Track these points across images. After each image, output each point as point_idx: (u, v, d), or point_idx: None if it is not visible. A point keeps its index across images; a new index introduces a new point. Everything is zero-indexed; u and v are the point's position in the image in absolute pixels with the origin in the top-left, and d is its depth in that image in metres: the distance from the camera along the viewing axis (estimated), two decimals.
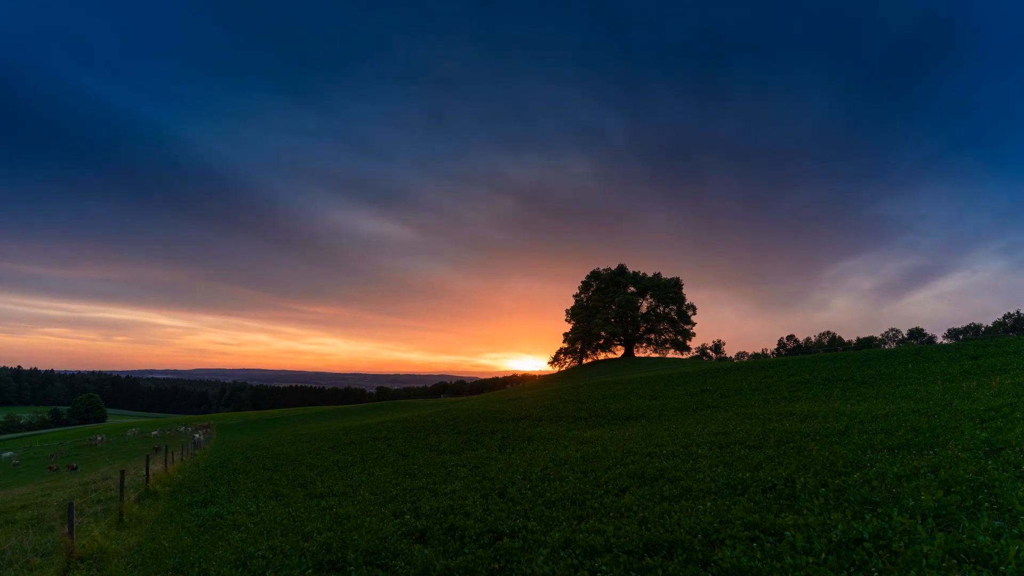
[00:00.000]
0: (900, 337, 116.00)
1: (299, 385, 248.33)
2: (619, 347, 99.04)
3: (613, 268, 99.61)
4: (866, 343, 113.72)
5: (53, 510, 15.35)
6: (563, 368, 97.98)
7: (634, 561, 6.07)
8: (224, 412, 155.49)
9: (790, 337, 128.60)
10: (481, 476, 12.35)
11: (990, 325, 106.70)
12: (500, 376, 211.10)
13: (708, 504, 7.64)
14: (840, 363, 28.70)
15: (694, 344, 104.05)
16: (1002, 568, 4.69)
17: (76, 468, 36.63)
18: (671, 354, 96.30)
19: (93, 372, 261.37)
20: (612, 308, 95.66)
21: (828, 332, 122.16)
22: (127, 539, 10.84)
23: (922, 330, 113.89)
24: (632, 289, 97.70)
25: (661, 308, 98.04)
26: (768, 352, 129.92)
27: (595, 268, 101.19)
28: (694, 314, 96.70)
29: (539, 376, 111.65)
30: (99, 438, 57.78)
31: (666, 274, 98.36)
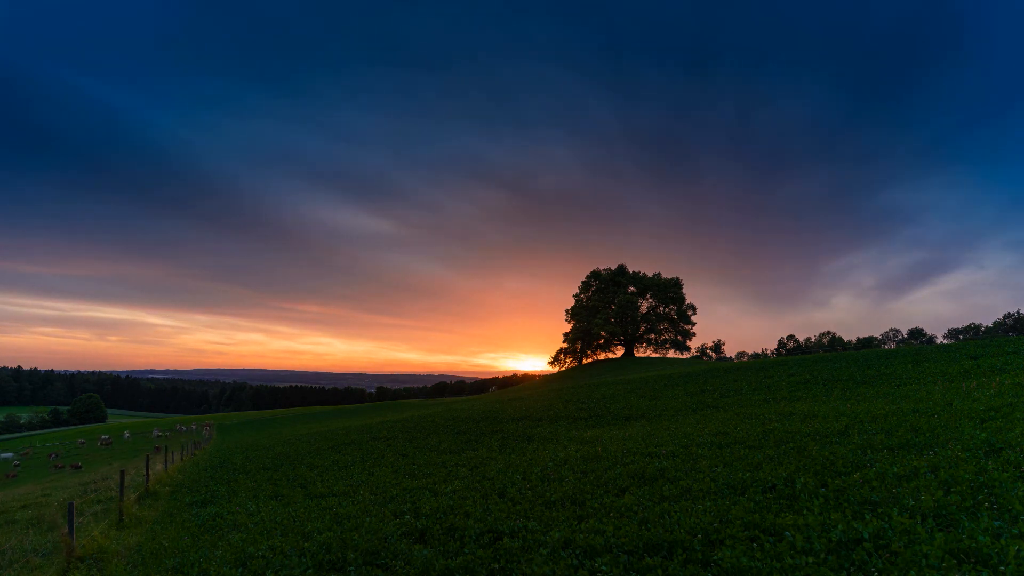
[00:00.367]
0: (900, 337, 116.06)
1: (299, 385, 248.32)
2: (619, 347, 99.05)
3: (613, 268, 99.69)
4: (866, 343, 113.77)
5: (53, 510, 15.35)
6: (563, 368, 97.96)
7: (634, 561, 6.07)
8: (224, 412, 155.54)
9: (790, 337, 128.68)
10: (481, 476, 12.35)
11: (990, 325, 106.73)
12: (500, 376, 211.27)
13: (708, 504, 7.64)
14: (840, 363, 28.70)
15: (694, 344, 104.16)
16: (1002, 568, 4.69)
17: (80, 467, 36.84)
18: (671, 354, 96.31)
19: (93, 372, 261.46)
20: (612, 308, 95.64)
21: (828, 332, 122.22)
22: (127, 539, 10.84)
23: (922, 330, 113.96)
24: (632, 289, 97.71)
25: (661, 308, 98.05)
26: (768, 352, 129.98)
27: (595, 268, 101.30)
28: (694, 314, 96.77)
29: (539, 376, 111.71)
30: (106, 437, 57.86)
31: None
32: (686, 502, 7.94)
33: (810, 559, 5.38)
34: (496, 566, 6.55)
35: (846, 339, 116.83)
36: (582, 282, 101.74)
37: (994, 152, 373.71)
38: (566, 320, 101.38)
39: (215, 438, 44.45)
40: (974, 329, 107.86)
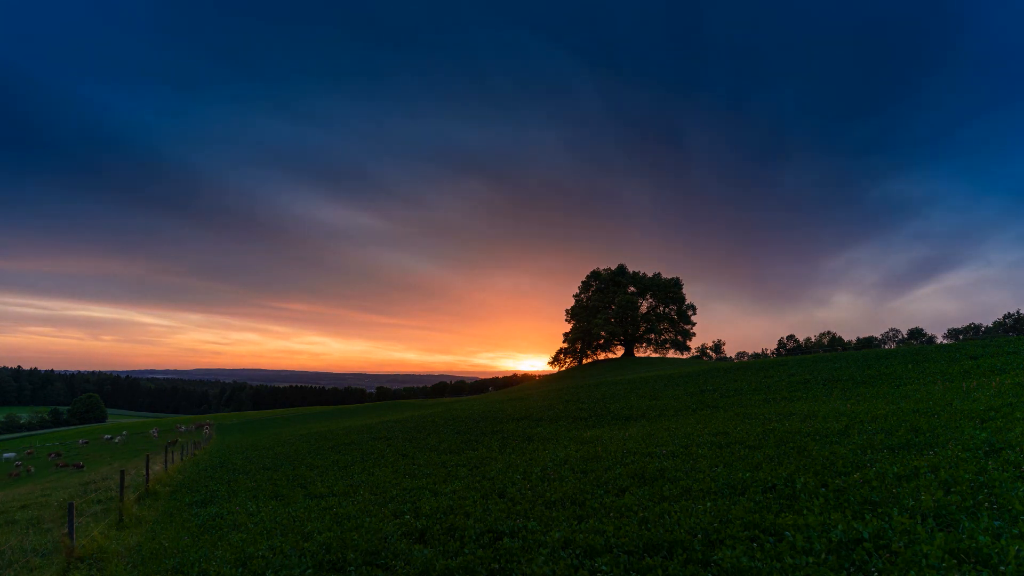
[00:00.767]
0: (900, 337, 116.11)
1: (299, 385, 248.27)
2: (619, 347, 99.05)
3: (613, 268, 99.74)
4: (866, 343, 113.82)
5: (53, 510, 15.36)
6: (563, 368, 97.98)
7: (634, 561, 6.07)
8: (224, 412, 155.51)
9: (790, 337, 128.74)
10: (481, 476, 12.35)
11: (990, 325, 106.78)
12: (500, 376, 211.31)
13: (708, 504, 7.64)
14: (840, 363, 28.69)
15: (694, 344, 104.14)
16: (1002, 568, 4.69)
17: (83, 466, 37.03)
18: (671, 354, 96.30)
19: (93, 372, 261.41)
20: (612, 308, 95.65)
21: (828, 332, 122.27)
22: (127, 539, 10.84)
23: (922, 330, 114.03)
24: (632, 289, 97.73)
25: (661, 308, 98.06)
26: (768, 352, 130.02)
27: (595, 268, 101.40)
28: (694, 314, 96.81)
29: (539, 376, 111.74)
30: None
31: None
32: (686, 502, 7.94)
33: (810, 559, 5.38)
34: (496, 566, 6.55)
35: (846, 339, 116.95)
36: (582, 282, 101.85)
37: (1002, 141, 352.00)
38: (566, 320, 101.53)
39: (215, 438, 44.45)
40: (974, 329, 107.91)
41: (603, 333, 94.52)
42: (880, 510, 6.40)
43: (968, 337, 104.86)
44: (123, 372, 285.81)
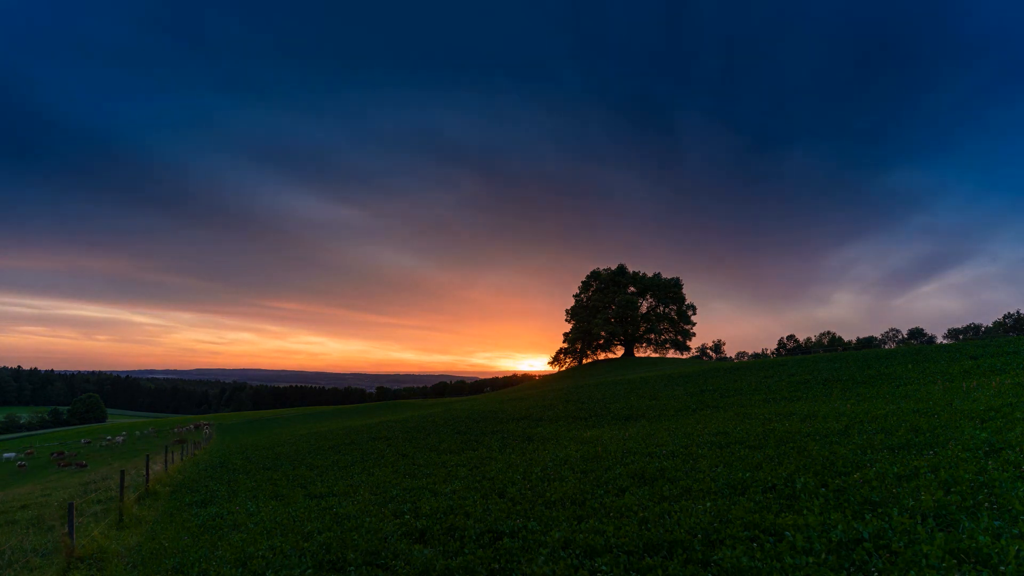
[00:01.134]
0: (900, 337, 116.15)
1: (299, 385, 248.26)
2: (619, 347, 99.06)
3: (613, 268, 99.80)
4: (866, 343, 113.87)
5: (53, 510, 15.35)
6: (563, 368, 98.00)
7: (634, 561, 6.07)
8: (224, 412, 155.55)
9: (790, 337, 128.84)
10: (481, 476, 12.35)
11: (990, 325, 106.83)
12: (500, 376, 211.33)
13: (708, 504, 7.64)
14: (840, 363, 28.69)
15: (694, 344, 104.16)
16: (1002, 568, 4.69)
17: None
18: (671, 354, 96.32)
19: (93, 372, 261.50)
20: (612, 308, 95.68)
21: (828, 332, 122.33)
22: (127, 539, 10.84)
23: (922, 330, 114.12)
24: (632, 289, 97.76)
25: (661, 308, 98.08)
26: (768, 352, 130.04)
27: (595, 268, 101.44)
28: (694, 314, 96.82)
29: (539, 376, 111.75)
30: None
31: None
32: (686, 502, 7.94)
33: (810, 559, 5.38)
34: (496, 566, 6.55)
35: (846, 339, 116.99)
36: (582, 282, 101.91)
37: (1014, 130, 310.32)
38: (566, 320, 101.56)
39: (215, 438, 44.46)
40: (974, 329, 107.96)
41: (603, 333, 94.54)
42: (880, 510, 6.40)
43: (968, 337, 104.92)
44: (123, 372, 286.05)
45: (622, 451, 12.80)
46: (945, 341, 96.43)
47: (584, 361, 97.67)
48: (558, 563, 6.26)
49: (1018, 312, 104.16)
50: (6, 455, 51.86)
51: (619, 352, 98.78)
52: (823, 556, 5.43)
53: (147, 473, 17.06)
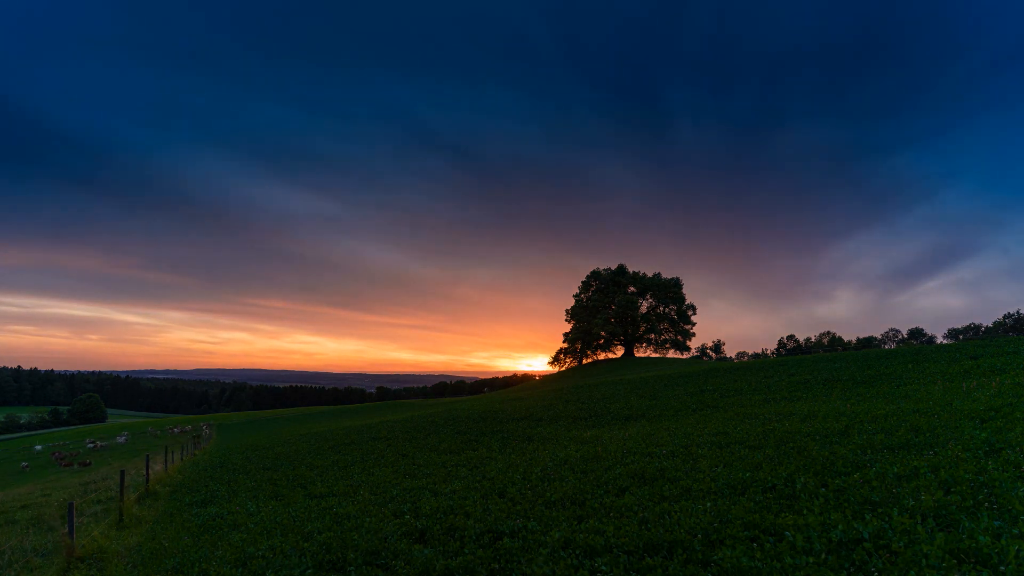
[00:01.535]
0: (900, 337, 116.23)
1: (299, 385, 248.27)
2: (619, 347, 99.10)
3: (613, 268, 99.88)
4: (866, 343, 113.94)
5: (53, 510, 15.35)
6: (563, 368, 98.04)
7: (634, 561, 6.07)
8: (224, 412, 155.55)
9: (790, 337, 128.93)
10: (481, 476, 12.35)
11: (990, 325, 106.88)
12: (500, 376, 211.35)
13: (708, 504, 7.64)
14: (840, 363, 28.70)
15: (694, 344, 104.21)
16: (1002, 568, 4.69)
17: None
18: (671, 354, 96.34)
19: (93, 372, 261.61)
20: (612, 308, 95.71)
21: (828, 332, 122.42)
22: (127, 539, 10.84)
23: (922, 330, 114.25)
24: (632, 289, 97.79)
25: (661, 308, 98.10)
26: (768, 352, 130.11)
27: (595, 268, 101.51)
28: (694, 314, 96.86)
29: (539, 376, 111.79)
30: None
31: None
32: (686, 502, 7.94)
33: (810, 559, 5.38)
34: (496, 566, 6.55)
35: (846, 339, 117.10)
36: (582, 282, 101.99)
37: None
38: (566, 320, 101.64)
39: (215, 438, 44.47)
40: (974, 329, 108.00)
41: (603, 333, 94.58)
42: (880, 510, 6.41)
43: (968, 337, 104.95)
44: (123, 372, 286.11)
45: (622, 451, 12.80)
46: (945, 341, 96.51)
47: (584, 361, 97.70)
48: (558, 563, 6.26)
49: (1018, 312, 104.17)
50: (36, 447, 52.65)
51: (619, 352, 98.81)
52: (823, 556, 5.43)
53: (147, 473, 17.06)
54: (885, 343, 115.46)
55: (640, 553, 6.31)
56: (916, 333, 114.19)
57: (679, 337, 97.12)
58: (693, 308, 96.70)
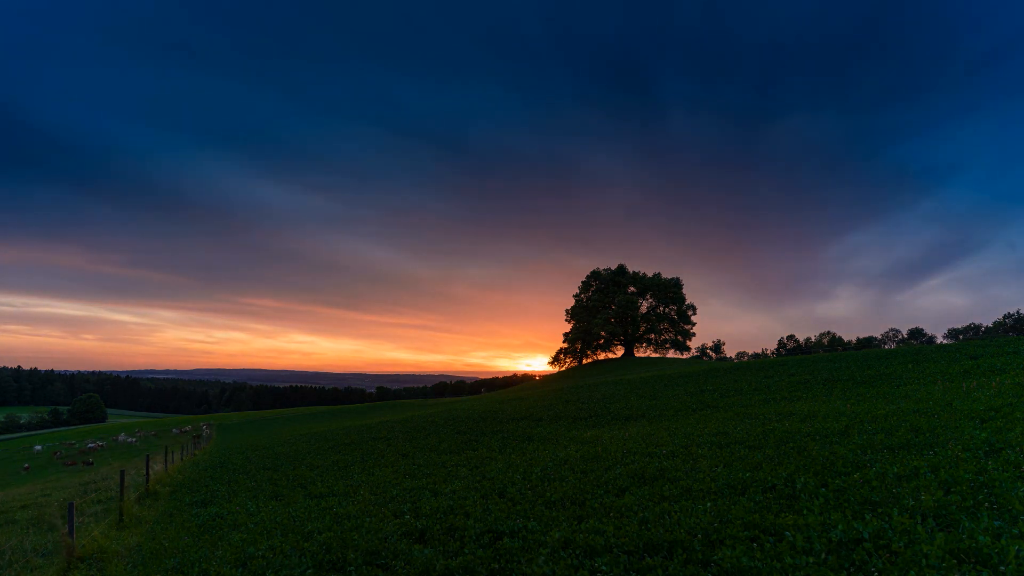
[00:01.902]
0: (900, 337, 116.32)
1: (299, 385, 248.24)
2: (619, 347, 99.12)
3: (613, 268, 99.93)
4: (866, 343, 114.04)
5: (53, 510, 15.35)
6: (563, 368, 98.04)
7: (634, 561, 6.07)
8: (224, 412, 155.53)
9: (790, 337, 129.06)
10: (481, 476, 12.35)
11: (990, 325, 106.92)
12: (500, 376, 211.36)
13: (708, 504, 7.64)
14: (840, 363, 28.69)
15: (694, 344, 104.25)
16: (1002, 568, 4.69)
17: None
18: (671, 354, 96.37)
19: (93, 372, 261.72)
20: (612, 308, 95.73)
21: (828, 332, 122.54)
22: (127, 539, 10.85)
23: (922, 330, 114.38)
24: (632, 289, 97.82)
25: (661, 308, 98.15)
26: (768, 352, 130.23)
27: (595, 268, 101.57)
28: (694, 314, 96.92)
29: (539, 376, 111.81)
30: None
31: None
32: (686, 502, 7.94)
33: (810, 559, 5.38)
34: (496, 566, 6.55)
35: (846, 339, 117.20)
36: (582, 282, 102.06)
37: None
38: (566, 320, 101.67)
39: (215, 438, 44.48)
40: (974, 329, 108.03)
41: (603, 333, 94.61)
42: (880, 510, 6.41)
43: (968, 337, 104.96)
44: (123, 372, 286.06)
45: (622, 451, 12.80)
46: (945, 341, 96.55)
47: (584, 361, 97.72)
48: (558, 563, 6.26)
49: (1018, 312, 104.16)
50: (36, 447, 52.54)
51: (619, 352, 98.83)
52: (823, 556, 5.43)
53: (147, 473, 17.06)
54: (885, 343, 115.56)
55: (640, 553, 6.31)
56: (916, 333, 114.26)
57: (679, 337, 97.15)
58: (693, 308, 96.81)
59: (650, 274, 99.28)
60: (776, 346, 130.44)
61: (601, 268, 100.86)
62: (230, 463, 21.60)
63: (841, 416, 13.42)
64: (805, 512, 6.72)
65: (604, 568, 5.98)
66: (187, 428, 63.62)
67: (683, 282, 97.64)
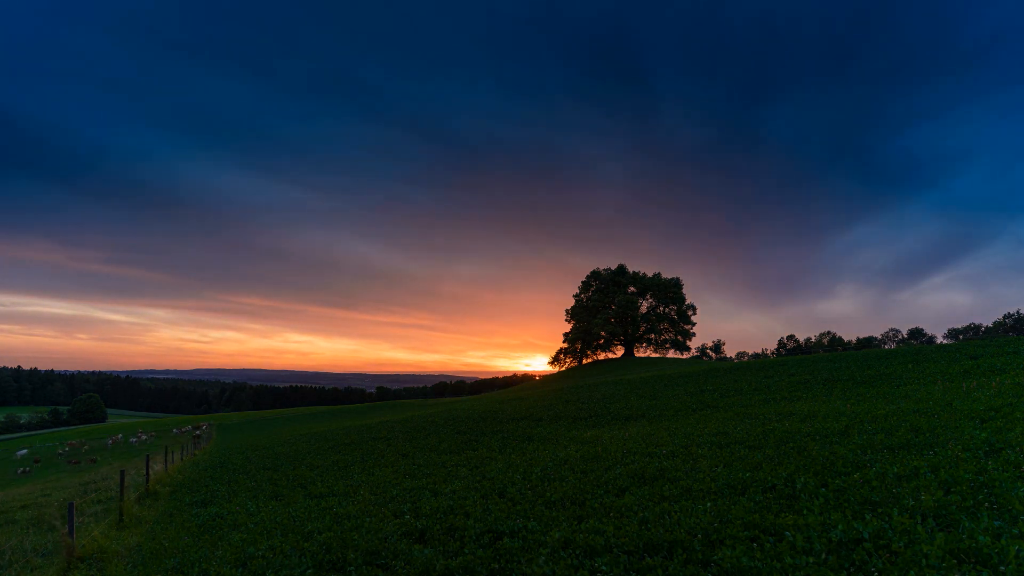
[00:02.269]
0: (900, 337, 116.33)
1: (299, 385, 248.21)
2: (619, 347, 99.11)
3: (613, 268, 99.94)
4: (866, 343, 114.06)
5: (53, 510, 15.35)
6: (563, 368, 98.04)
7: (634, 561, 6.07)
8: (224, 412, 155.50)
9: (790, 337, 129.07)
10: (481, 476, 12.35)
11: (990, 325, 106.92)
12: (500, 376, 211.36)
13: (708, 504, 7.64)
14: (840, 363, 28.69)
15: (694, 344, 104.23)
16: (1002, 568, 4.69)
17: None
18: (671, 354, 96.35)
19: (93, 372, 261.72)
20: (612, 308, 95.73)
21: (828, 332, 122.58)
22: (127, 539, 10.85)
23: (922, 330, 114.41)
24: (632, 289, 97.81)
25: (661, 308, 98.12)
26: (768, 352, 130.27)
27: (595, 268, 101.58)
28: (694, 314, 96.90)
29: (539, 376, 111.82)
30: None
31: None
32: (686, 502, 7.94)
33: (810, 559, 5.38)
34: (496, 566, 6.55)
35: (846, 339, 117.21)
36: (582, 282, 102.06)
37: None
38: (566, 320, 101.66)
39: (215, 438, 44.48)
40: (974, 329, 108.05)
41: (603, 333, 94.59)
42: (880, 510, 6.41)
43: (968, 337, 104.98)
44: (123, 372, 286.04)
45: (622, 451, 12.80)
46: (945, 341, 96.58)
47: (584, 361, 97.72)
48: (558, 563, 6.26)
49: (1018, 311, 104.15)
50: (19, 452, 51.98)
51: (619, 352, 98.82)
52: (823, 556, 5.43)
53: (147, 473, 17.06)
54: (885, 343, 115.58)
55: (640, 553, 6.31)
56: (916, 333, 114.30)
57: (679, 337, 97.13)
58: (693, 308, 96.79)
59: (650, 274, 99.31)
60: (776, 346, 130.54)
61: (601, 268, 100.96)
62: (230, 463, 21.60)
63: (841, 416, 13.41)
64: (805, 512, 6.72)
65: (604, 568, 5.98)
66: (187, 428, 63.61)
67: (683, 281, 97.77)
